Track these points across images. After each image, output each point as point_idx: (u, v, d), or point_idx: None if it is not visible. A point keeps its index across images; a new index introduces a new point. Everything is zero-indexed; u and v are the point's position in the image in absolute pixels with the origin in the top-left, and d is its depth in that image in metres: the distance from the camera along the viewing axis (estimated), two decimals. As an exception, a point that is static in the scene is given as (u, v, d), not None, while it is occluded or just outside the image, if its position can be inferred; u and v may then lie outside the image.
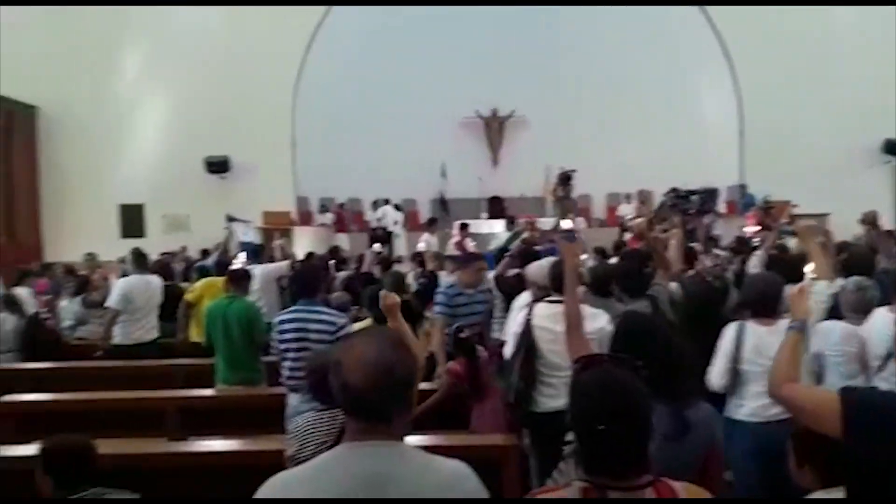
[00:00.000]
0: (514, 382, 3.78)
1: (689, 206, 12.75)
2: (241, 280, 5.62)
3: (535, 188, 16.33)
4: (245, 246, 9.96)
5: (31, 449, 4.14)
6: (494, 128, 17.43)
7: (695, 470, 2.38)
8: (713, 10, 14.81)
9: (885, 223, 10.23)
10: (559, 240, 3.77)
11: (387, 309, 3.16)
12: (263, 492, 1.60)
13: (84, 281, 7.92)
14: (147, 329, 6.34)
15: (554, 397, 3.63)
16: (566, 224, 7.76)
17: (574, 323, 2.94)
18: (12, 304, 6.62)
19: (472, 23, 15.65)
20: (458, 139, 17.06)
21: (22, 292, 7.35)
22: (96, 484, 2.72)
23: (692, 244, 7.43)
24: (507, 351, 3.90)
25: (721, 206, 15.05)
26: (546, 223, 11.96)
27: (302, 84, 14.57)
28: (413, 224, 16.13)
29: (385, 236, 14.55)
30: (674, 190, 13.71)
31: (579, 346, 2.83)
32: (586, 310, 3.39)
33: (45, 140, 14.33)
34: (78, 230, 13.71)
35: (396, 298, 3.21)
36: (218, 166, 14.31)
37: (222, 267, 6.81)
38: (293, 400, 4.03)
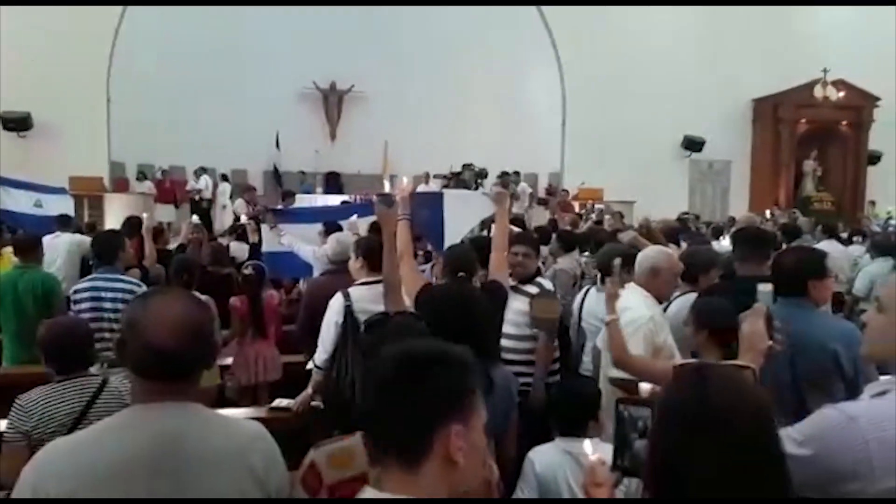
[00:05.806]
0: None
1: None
2: (29, 249, 5.01)
3: (372, 165, 16.33)
4: (8, 215, 7.49)
5: None
6: (333, 101, 17.10)
7: (501, 428, 2.50)
8: (547, 9, 15.61)
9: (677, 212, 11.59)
10: (377, 204, 3.50)
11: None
12: (39, 460, 1.43)
13: None
14: None
15: None
16: (387, 186, 7.47)
17: (394, 286, 3.05)
18: None
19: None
20: (294, 111, 16.55)
21: None
22: None
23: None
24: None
25: (541, 192, 16.19)
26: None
27: (120, 39, 13.35)
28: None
29: (206, 207, 13.93)
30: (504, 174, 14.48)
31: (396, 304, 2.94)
32: None
33: None
34: None
35: None
36: (17, 123, 12.77)
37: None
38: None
